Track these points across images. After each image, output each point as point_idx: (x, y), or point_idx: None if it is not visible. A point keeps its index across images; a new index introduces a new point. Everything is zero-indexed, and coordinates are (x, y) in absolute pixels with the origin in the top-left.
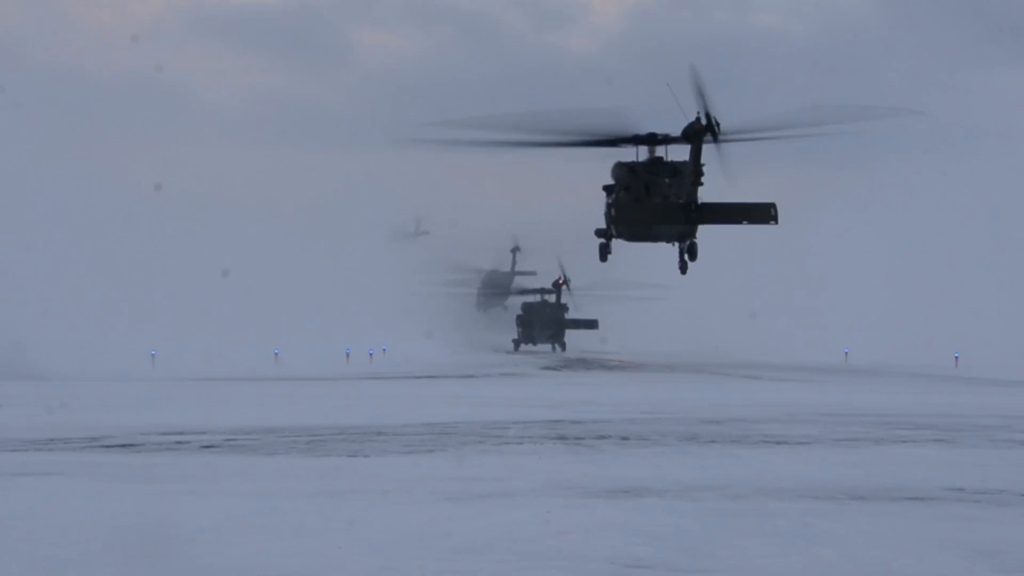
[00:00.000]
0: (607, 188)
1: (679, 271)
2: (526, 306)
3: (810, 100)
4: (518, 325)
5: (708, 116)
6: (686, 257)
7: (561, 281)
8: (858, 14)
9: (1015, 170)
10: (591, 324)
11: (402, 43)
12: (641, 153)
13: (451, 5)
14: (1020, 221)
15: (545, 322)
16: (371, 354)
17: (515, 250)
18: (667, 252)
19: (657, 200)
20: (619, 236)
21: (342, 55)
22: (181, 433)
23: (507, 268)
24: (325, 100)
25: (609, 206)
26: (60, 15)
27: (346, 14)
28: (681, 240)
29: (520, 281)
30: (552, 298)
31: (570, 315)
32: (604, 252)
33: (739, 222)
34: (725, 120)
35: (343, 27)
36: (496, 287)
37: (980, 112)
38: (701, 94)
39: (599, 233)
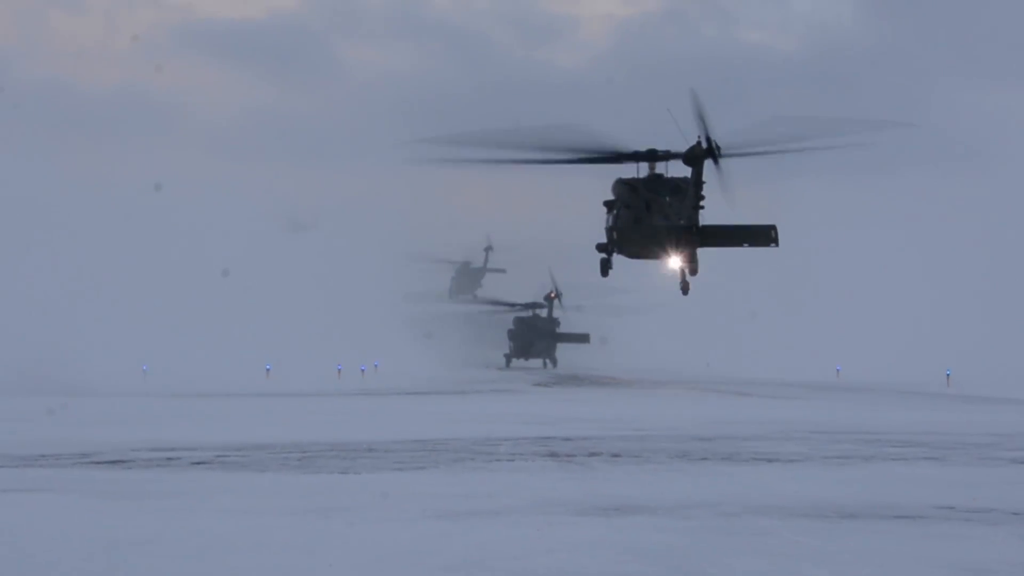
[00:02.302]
0: (608, 204)
1: (681, 292)
2: (518, 320)
3: (801, 115)
4: (510, 339)
5: (708, 140)
6: (687, 277)
7: (553, 295)
8: (846, 31)
9: (1006, 187)
10: (582, 338)
11: (391, 58)
12: (641, 169)
13: (440, 20)
14: (1011, 239)
15: (536, 336)
16: (363, 370)
17: (488, 249)
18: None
19: (658, 219)
20: (620, 253)
21: (331, 70)
22: (172, 449)
23: (479, 264)
24: (314, 115)
25: (610, 225)
26: (49, 29)
27: (335, 29)
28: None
29: (491, 277)
30: (544, 313)
31: (561, 329)
32: (605, 267)
33: (740, 244)
34: (717, 136)
35: (332, 42)
36: (468, 279)
37: (969, 128)
38: (701, 118)
39: (600, 248)
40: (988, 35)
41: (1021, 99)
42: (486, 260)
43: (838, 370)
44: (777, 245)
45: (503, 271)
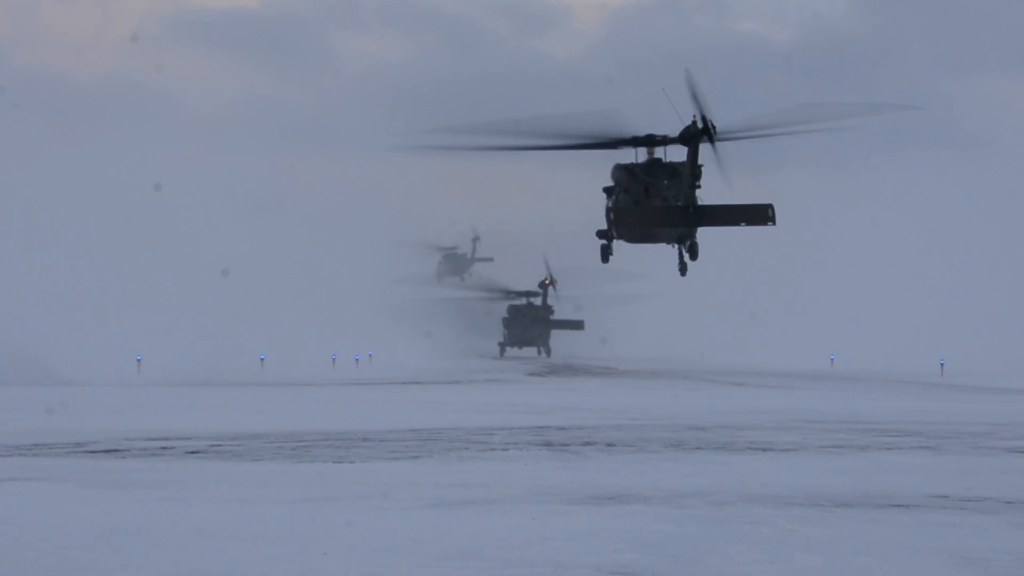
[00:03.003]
0: (607, 190)
1: (679, 272)
2: (512, 308)
3: (796, 103)
4: (504, 327)
5: (704, 119)
6: (686, 258)
7: (548, 281)
8: (840, 20)
9: (1002, 176)
10: (577, 325)
11: (385, 48)
12: (640, 154)
13: (434, 10)
14: (1006, 228)
15: (531, 323)
16: (357, 359)
17: (475, 239)
18: (664, 252)
19: (656, 202)
20: (620, 238)
21: (325, 60)
22: (166, 439)
23: (465, 250)
24: (308, 105)
25: (609, 208)
26: (43, 21)
27: (328, 19)
28: (681, 241)
29: (479, 266)
30: (538, 301)
31: (555, 316)
32: (606, 253)
33: (737, 224)
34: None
35: (326, 32)
36: (454, 265)
37: (964, 117)
38: (696, 97)
39: (600, 234)
40: (982, 24)
41: (1016, 88)
42: (474, 250)
43: (832, 359)
44: (774, 223)
45: (490, 259)
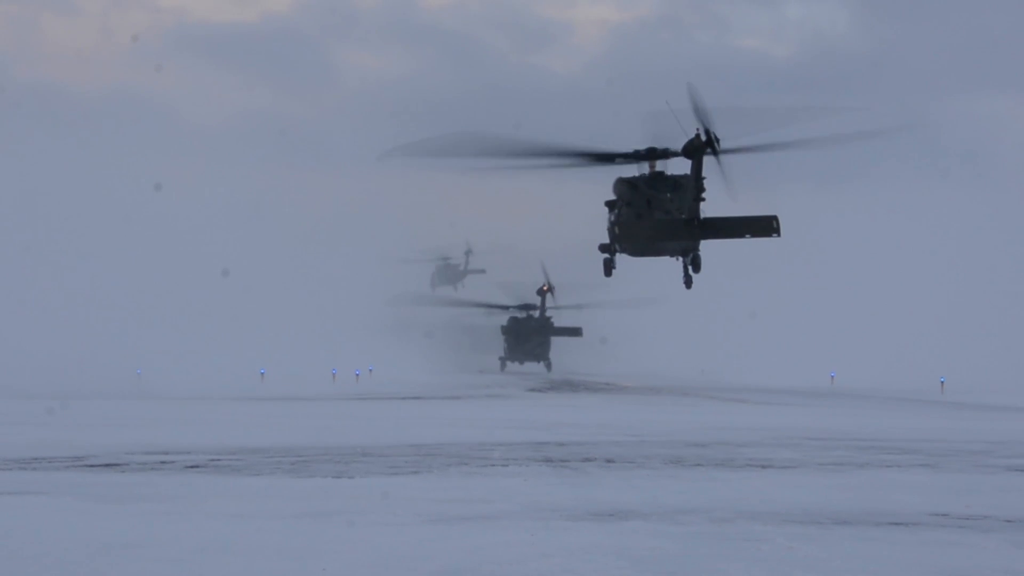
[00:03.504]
0: (609, 204)
1: (684, 286)
2: (512, 319)
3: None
4: (504, 335)
5: (707, 132)
6: (690, 271)
7: (546, 288)
8: (840, 37)
9: (1001, 193)
10: (575, 332)
11: (385, 62)
12: (642, 169)
13: (434, 25)
14: (1006, 245)
15: (531, 332)
16: (357, 374)
17: (468, 252)
18: (666, 266)
19: (659, 216)
20: (623, 252)
21: (325, 75)
22: (165, 453)
23: (457, 260)
24: (308, 120)
25: (612, 222)
26: (43, 34)
27: (329, 34)
28: (684, 255)
29: (472, 279)
30: (536, 313)
31: (554, 324)
32: (608, 267)
33: (742, 236)
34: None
35: (326, 47)
36: (448, 275)
37: (963, 133)
38: (699, 110)
39: (603, 248)
40: (981, 41)
41: (1015, 105)
42: (466, 262)
43: (832, 377)
44: (779, 235)
45: (483, 271)
